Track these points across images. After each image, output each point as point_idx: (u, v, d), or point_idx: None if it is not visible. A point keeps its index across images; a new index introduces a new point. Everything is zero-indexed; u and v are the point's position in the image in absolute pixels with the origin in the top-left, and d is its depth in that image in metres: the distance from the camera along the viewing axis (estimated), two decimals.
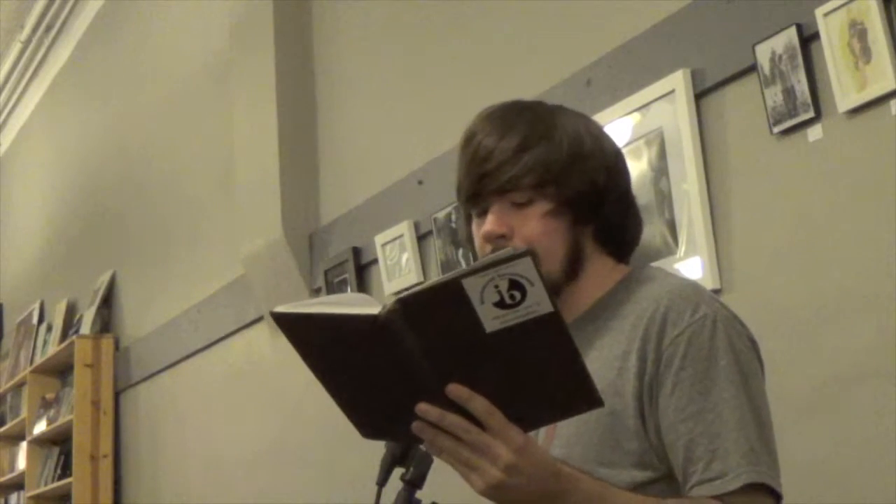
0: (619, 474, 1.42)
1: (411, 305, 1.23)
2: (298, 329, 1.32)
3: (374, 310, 1.25)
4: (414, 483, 1.34)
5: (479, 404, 1.26)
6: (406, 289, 2.49)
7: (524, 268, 1.21)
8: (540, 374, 1.26)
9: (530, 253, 1.22)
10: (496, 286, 1.21)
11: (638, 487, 1.42)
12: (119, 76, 6.10)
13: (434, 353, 1.25)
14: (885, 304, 2.04)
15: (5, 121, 8.18)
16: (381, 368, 1.28)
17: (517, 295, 1.21)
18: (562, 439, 1.48)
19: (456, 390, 1.26)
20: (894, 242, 2.03)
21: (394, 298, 1.24)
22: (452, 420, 1.27)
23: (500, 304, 1.22)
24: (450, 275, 1.23)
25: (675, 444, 1.41)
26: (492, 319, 1.22)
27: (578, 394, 1.28)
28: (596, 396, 1.28)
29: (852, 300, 2.12)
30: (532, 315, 1.22)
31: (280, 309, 1.31)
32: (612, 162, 1.57)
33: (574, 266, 1.54)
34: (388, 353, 1.26)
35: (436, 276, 2.82)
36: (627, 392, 1.44)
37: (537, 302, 1.22)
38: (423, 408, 1.27)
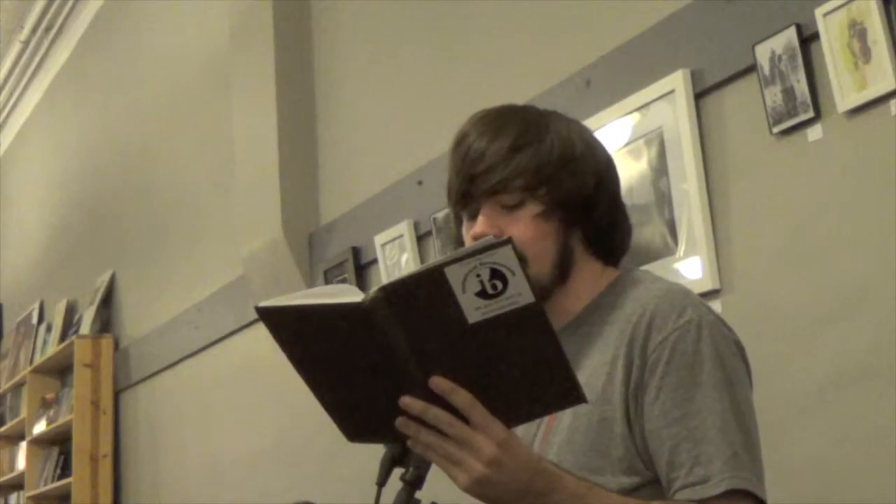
0: (608, 481, 1.42)
1: (394, 293, 1.23)
2: (283, 324, 1.31)
3: (357, 298, 1.25)
4: (413, 483, 1.34)
5: (461, 397, 1.27)
6: None
7: (505, 256, 1.22)
8: (523, 367, 1.27)
9: (510, 241, 1.22)
10: (478, 275, 1.22)
11: (625, 493, 1.42)
12: (119, 76, 6.10)
13: (417, 344, 1.25)
14: (884, 304, 2.04)
15: (5, 121, 8.18)
16: (365, 361, 1.28)
17: (499, 285, 1.22)
18: (554, 447, 1.48)
19: (439, 382, 1.26)
20: (894, 242, 2.03)
21: (377, 286, 1.24)
22: (436, 413, 1.27)
23: (482, 294, 1.22)
24: (432, 262, 1.24)
25: (659, 449, 1.41)
26: (474, 310, 1.23)
27: (561, 388, 1.28)
28: (579, 391, 1.28)
29: (852, 300, 2.12)
30: (513, 305, 1.23)
31: (265, 303, 1.31)
32: (603, 167, 1.57)
33: (564, 269, 1.54)
34: (373, 344, 1.26)
35: None
36: (615, 398, 1.44)
37: (518, 292, 1.22)
38: (406, 401, 1.27)
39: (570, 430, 1.46)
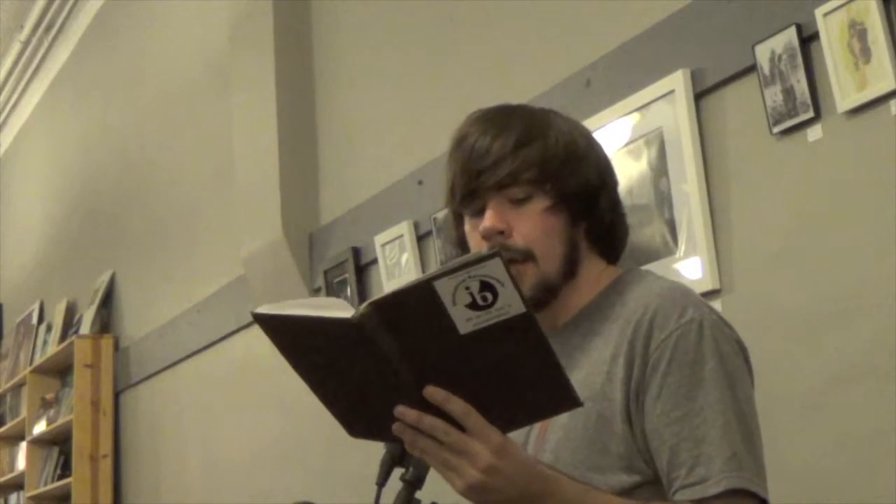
0: (608, 479, 1.42)
1: (384, 308, 1.23)
2: (279, 330, 1.32)
3: (348, 313, 1.25)
4: (413, 483, 1.34)
5: (456, 406, 1.27)
6: None
7: (494, 269, 1.21)
8: (516, 375, 1.27)
9: (499, 254, 1.22)
10: (467, 288, 1.22)
11: (625, 491, 1.42)
12: (119, 76, 6.10)
13: (410, 356, 1.25)
14: (884, 303, 2.04)
15: (5, 121, 8.18)
16: (360, 370, 1.29)
17: (489, 296, 1.22)
18: (551, 444, 1.47)
19: (433, 392, 1.26)
20: (894, 242, 2.03)
21: (367, 301, 1.24)
22: (430, 422, 1.27)
23: (473, 306, 1.22)
24: (421, 277, 1.24)
25: (660, 448, 1.41)
26: (465, 321, 1.23)
27: (556, 394, 1.28)
28: (574, 397, 1.28)
29: (852, 300, 2.12)
30: (504, 316, 1.23)
31: (261, 310, 1.31)
32: (604, 164, 1.58)
33: (571, 265, 1.54)
34: (366, 356, 1.26)
35: None
36: (615, 396, 1.44)
37: (509, 303, 1.22)
38: (401, 410, 1.28)
39: (568, 427, 1.45)
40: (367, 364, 1.27)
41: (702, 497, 1.38)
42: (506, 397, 1.28)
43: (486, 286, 1.22)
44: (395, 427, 1.29)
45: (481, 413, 1.28)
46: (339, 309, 1.27)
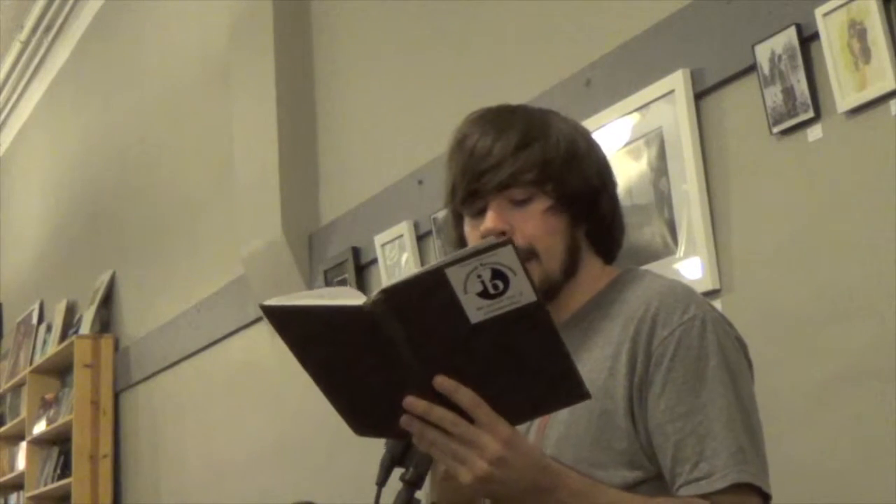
0: (610, 475, 1.42)
1: (395, 295, 1.23)
2: (288, 322, 1.32)
3: (359, 301, 1.25)
4: (413, 483, 1.34)
5: (465, 396, 1.27)
6: None
7: (506, 257, 1.22)
8: (526, 365, 1.27)
9: (511, 242, 1.22)
10: (479, 276, 1.22)
11: (628, 488, 1.42)
12: (118, 76, 6.10)
13: (420, 345, 1.25)
14: (884, 304, 2.04)
15: (5, 121, 8.18)
16: (369, 361, 1.28)
17: (500, 285, 1.22)
18: (552, 440, 1.47)
19: (442, 382, 1.26)
20: (894, 242, 2.03)
21: (378, 289, 1.24)
22: (439, 413, 1.27)
23: (484, 295, 1.22)
24: (433, 264, 1.24)
25: (664, 444, 1.41)
26: (476, 310, 1.23)
27: (565, 386, 1.29)
28: (583, 389, 1.29)
29: (852, 300, 2.12)
30: (515, 305, 1.23)
31: (269, 302, 1.31)
32: (604, 164, 1.59)
33: (572, 265, 1.54)
34: (376, 345, 1.26)
35: None
36: (618, 392, 1.44)
37: (520, 292, 1.22)
38: (409, 401, 1.27)
39: (569, 424, 1.46)
40: (376, 354, 1.27)
41: (707, 492, 1.38)
42: (515, 389, 1.28)
43: (497, 274, 1.22)
44: (404, 419, 1.28)
45: (490, 404, 1.27)
46: (350, 297, 1.27)
